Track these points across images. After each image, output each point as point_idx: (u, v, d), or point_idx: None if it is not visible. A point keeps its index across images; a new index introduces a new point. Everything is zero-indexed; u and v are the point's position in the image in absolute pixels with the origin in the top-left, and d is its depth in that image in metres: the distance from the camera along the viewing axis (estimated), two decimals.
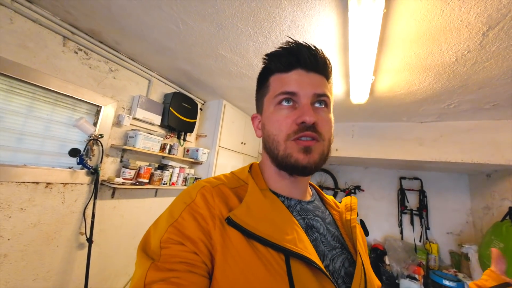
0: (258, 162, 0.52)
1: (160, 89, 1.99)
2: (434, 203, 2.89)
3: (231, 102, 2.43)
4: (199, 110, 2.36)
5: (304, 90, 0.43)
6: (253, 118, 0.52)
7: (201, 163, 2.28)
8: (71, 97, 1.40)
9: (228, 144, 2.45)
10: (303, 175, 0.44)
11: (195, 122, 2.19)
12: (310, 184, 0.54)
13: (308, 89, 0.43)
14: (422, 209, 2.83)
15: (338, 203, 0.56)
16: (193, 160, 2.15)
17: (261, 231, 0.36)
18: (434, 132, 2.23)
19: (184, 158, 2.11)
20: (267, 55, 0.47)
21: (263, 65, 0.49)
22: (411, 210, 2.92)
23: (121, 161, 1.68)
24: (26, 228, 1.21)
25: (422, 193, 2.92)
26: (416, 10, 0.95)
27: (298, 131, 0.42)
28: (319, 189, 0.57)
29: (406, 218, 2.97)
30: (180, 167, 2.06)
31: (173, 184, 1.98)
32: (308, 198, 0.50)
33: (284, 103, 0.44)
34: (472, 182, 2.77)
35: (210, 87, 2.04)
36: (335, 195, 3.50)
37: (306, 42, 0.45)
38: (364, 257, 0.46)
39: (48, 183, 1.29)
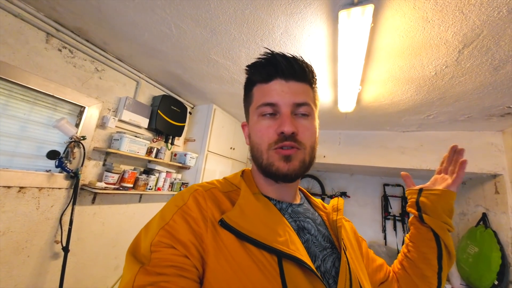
0: (249, 169, 0.53)
1: (149, 92, 1.94)
2: None
3: (221, 107, 2.42)
4: (188, 114, 2.33)
5: (283, 100, 0.43)
6: (243, 126, 0.54)
7: (189, 168, 2.23)
8: (53, 96, 1.33)
9: (217, 149, 2.42)
10: (286, 182, 0.44)
11: (183, 126, 2.15)
12: (299, 189, 0.56)
13: (288, 98, 0.43)
14: (405, 215, 2.94)
15: (325, 205, 0.58)
16: (180, 165, 2.09)
17: (254, 233, 0.37)
18: (415, 141, 2.35)
19: (172, 163, 2.05)
20: (248, 66, 0.48)
21: (246, 76, 0.49)
22: (394, 216, 3.03)
23: (104, 164, 1.60)
24: None
25: (404, 199, 3.04)
26: (400, 26, 1.01)
27: (278, 141, 0.43)
28: (307, 192, 0.58)
29: (389, 224, 3.06)
30: (167, 172, 2.00)
31: (159, 189, 1.91)
32: (298, 201, 0.51)
33: (267, 115, 0.44)
34: None
35: (201, 91, 2.03)
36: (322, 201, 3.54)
37: (283, 52, 0.46)
38: (352, 253, 0.47)
39: (21, 187, 1.20)
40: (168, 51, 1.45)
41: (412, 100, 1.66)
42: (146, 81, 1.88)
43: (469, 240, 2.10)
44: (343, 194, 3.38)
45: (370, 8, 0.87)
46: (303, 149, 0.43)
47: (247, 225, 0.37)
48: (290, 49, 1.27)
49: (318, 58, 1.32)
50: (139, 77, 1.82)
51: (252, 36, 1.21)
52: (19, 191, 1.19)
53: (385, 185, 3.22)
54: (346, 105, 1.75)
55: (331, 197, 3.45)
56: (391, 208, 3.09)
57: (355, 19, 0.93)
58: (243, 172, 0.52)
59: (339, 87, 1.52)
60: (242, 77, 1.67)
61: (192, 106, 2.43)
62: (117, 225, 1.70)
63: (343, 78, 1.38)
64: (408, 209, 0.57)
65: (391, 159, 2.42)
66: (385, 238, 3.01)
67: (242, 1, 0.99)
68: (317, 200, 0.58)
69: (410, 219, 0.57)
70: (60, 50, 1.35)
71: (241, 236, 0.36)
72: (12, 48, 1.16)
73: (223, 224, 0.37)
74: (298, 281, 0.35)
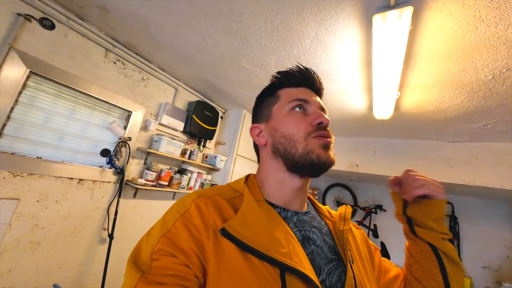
0: (254, 174, 0.52)
1: (185, 97, 2.10)
2: (467, 231, 2.61)
3: (250, 112, 2.48)
4: (219, 118, 2.44)
5: (314, 100, 0.48)
6: (252, 128, 0.52)
7: (218, 170, 2.33)
8: (107, 102, 1.54)
9: (245, 153, 2.48)
10: (319, 173, 0.44)
11: (215, 130, 2.27)
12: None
13: (317, 101, 0.49)
14: (453, 237, 2.57)
15: (332, 212, 0.55)
16: (210, 166, 2.20)
17: (256, 243, 0.36)
18: (467, 153, 2.05)
19: (202, 164, 2.17)
20: (279, 72, 0.51)
21: (273, 80, 0.53)
22: None
23: (144, 163, 1.79)
24: (58, 220, 1.33)
25: (453, 219, 2.66)
26: (446, 27, 0.91)
27: (317, 130, 0.45)
28: (313, 198, 0.56)
29: None
30: (198, 173, 2.13)
31: (190, 188, 2.05)
32: (305, 208, 0.49)
33: (297, 109, 0.47)
34: None
35: (231, 96, 2.12)
36: (353, 213, 3.33)
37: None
38: (361, 266, 0.45)
39: (80, 179, 1.42)
40: (202, 59, 1.56)
41: (463, 107, 1.46)
42: (183, 88, 2.05)
43: None
44: (378, 207, 3.12)
45: (408, 10, 0.81)
46: (331, 145, 0.46)
47: (249, 235, 0.36)
48: (320, 55, 1.25)
49: (350, 63, 1.27)
50: (177, 84, 1.98)
51: (282, 44, 1.23)
52: (79, 182, 1.41)
53: None
54: (383, 112, 1.63)
55: (364, 209, 3.21)
56: None
57: (391, 23, 0.87)
58: (247, 177, 0.50)
59: (374, 93, 1.43)
60: None
61: (223, 110, 2.54)
62: (153, 219, 1.87)
63: (379, 83, 1.30)
64: (397, 217, 0.53)
65: (436, 172, 2.15)
66: None
67: (272, 11, 1.02)
68: (324, 208, 0.55)
69: (404, 230, 0.52)
70: (115, 63, 1.56)
71: (242, 246, 0.35)
72: (79, 62, 1.39)
73: (225, 233, 0.36)
74: None
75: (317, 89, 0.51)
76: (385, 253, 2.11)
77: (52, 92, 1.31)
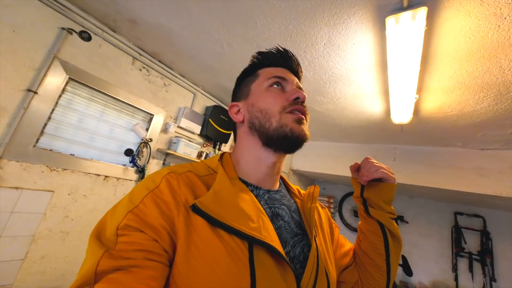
0: (229, 152, 0.52)
1: (203, 102, 2.20)
2: (503, 249, 2.37)
3: None
4: None
5: (291, 78, 0.50)
6: (231, 107, 0.53)
7: None
8: (133, 106, 1.67)
9: None
10: (293, 147, 0.45)
11: (230, 134, 2.33)
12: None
13: (294, 79, 0.51)
14: (485, 254, 2.35)
15: (302, 191, 0.58)
16: None
17: (226, 219, 0.36)
18: (500, 162, 1.89)
19: None
20: (258, 53, 0.54)
21: (253, 60, 0.55)
22: (470, 253, 2.45)
23: (163, 163, 1.89)
24: (85, 213, 1.44)
25: (485, 234, 2.44)
26: (465, 26, 0.89)
27: (292, 105, 0.46)
28: (285, 178, 0.58)
29: (463, 263, 2.49)
30: None
31: None
32: (276, 187, 0.51)
33: (275, 86, 0.48)
34: None
35: None
36: None
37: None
38: (322, 239, 0.49)
39: (106, 176, 1.54)
40: (219, 66, 1.64)
41: (490, 110, 1.37)
42: (201, 93, 2.15)
43: None
44: (400, 219, 2.95)
45: (422, 11, 0.81)
46: (306, 122, 0.48)
47: (220, 211, 0.37)
48: (334, 59, 1.26)
49: (365, 66, 1.26)
50: (196, 90, 2.09)
51: (296, 49, 1.27)
52: (104, 179, 1.53)
53: (457, 213, 2.67)
54: (401, 116, 1.58)
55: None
56: (465, 243, 2.52)
57: (405, 24, 0.87)
58: (221, 156, 0.51)
59: (391, 96, 1.40)
60: None
61: None
62: None
63: (395, 86, 1.27)
64: (354, 199, 0.59)
65: (465, 182, 2.01)
66: (456, 279, 2.46)
67: (286, 18, 1.06)
68: (294, 187, 0.58)
69: (359, 210, 0.58)
70: (140, 70, 1.70)
71: (212, 221, 0.35)
72: (110, 70, 1.53)
73: (195, 209, 0.36)
74: (267, 266, 0.35)
75: (295, 71, 0.53)
76: (406, 268, 1.97)
77: (86, 96, 1.46)
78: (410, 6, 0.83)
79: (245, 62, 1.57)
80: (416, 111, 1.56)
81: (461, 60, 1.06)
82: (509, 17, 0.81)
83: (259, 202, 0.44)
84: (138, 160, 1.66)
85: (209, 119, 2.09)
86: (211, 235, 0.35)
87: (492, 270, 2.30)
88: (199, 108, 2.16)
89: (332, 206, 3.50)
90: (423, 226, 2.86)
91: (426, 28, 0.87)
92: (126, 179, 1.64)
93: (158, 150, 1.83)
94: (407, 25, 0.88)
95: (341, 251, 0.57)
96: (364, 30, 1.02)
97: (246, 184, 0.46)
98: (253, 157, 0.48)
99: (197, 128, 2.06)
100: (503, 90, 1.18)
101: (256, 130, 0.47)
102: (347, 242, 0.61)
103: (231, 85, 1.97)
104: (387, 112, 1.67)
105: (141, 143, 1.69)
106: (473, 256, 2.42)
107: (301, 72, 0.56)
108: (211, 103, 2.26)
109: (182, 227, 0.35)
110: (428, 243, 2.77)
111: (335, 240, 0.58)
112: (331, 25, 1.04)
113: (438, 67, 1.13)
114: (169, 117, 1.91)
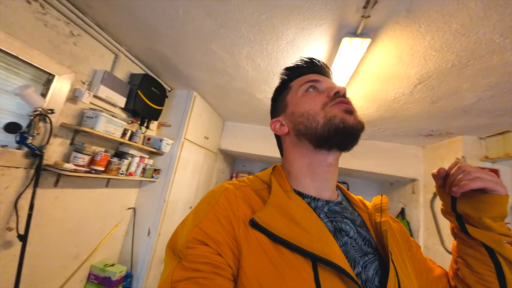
0: (280, 165, 0.51)
1: (127, 68, 1.76)
2: None
3: (201, 95, 2.37)
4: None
5: (324, 79, 0.49)
6: (272, 123, 0.52)
7: (162, 154, 2.14)
8: (16, 57, 1.10)
9: (192, 138, 2.38)
10: (348, 140, 0.42)
11: (161, 110, 2.04)
12: (337, 185, 0.51)
13: (328, 79, 0.50)
14: None
15: (366, 203, 0.52)
16: (154, 150, 1.99)
17: (286, 234, 0.35)
18: (365, 148, 2.83)
19: (144, 147, 1.93)
20: (286, 68, 0.53)
21: (282, 77, 0.54)
22: None
23: (71, 143, 1.42)
24: None
25: None
26: (383, 58, 1.26)
27: (334, 99, 0.43)
28: (344, 188, 0.53)
29: None
30: (141, 157, 1.89)
31: (130, 174, 1.80)
32: (336, 198, 0.46)
33: (310, 89, 0.47)
34: (380, 188, 3.65)
35: (185, 76, 1.96)
36: None
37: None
38: (401, 261, 0.41)
39: None
40: (165, 31, 1.37)
41: (372, 115, 2.02)
42: (126, 56, 1.71)
43: None
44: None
45: (367, 41, 1.07)
46: (356, 111, 0.44)
47: (279, 226, 0.35)
48: (290, 57, 1.39)
49: None
50: (119, 50, 1.63)
51: (259, 38, 1.28)
52: None
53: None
54: None
55: None
56: None
57: (354, 47, 1.12)
58: (273, 168, 0.49)
59: None
60: (235, 71, 1.71)
61: (169, 89, 2.30)
62: (81, 211, 1.54)
63: None
64: (445, 215, 0.46)
65: (345, 161, 2.86)
66: None
67: (263, 7, 1.05)
68: (357, 198, 0.52)
69: (451, 228, 0.47)
70: (29, 2, 1.11)
71: (272, 238, 0.34)
72: None
73: (254, 224, 0.35)
74: None
75: (326, 73, 0.52)
76: None
77: None
78: (361, 35, 1.07)
79: (200, 35, 1.44)
80: None
81: (370, 79, 1.48)
82: (404, 60, 1.23)
83: (319, 215, 0.41)
84: (31, 140, 1.16)
85: (138, 91, 1.72)
86: (273, 250, 0.34)
87: None
88: (121, 75, 1.72)
89: None
90: None
91: (365, 54, 1.16)
92: (9, 167, 1.13)
93: (63, 126, 1.35)
94: (354, 48, 1.12)
95: (428, 277, 0.47)
96: (323, 41, 1.20)
97: (302, 196, 0.43)
98: (305, 164, 0.45)
99: (121, 100, 1.65)
100: (382, 103, 1.77)
101: (304, 135, 0.45)
102: (436, 266, 0.50)
103: (173, 55, 1.75)
104: None
105: (36, 115, 1.18)
106: None
107: (331, 73, 0.53)
108: (138, 70, 1.85)
109: (243, 242, 0.35)
110: None
111: (417, 262, 0.48)
112: (299, 28, 1.14)
113: (357, 81, 1.52)
114: (79, 81, 1.41)
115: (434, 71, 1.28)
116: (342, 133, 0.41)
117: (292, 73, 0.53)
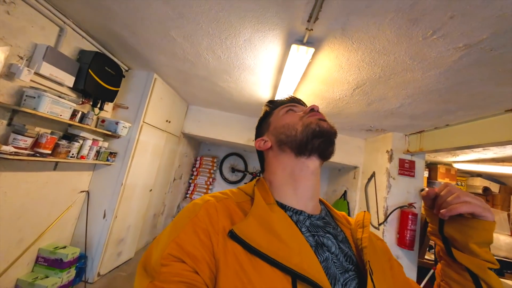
0: (263, 177, 0.51)
1: (76, 43, 1.62)
2: None
3: (163, 78, 2.31)
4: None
5: (301, 106, 0.56)
6: (257, 142, 0.55)
7: (119, 137, 2.08)
8: None
9: (152, 121, 2.34)
10: (326, 145, 0.45)
11: (117, 91, 1.95)
12: (320, 200, 0.52)
13: (302, 107, 0.56)
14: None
15: (350, 219, 0.52)
16: (110, 133, 1.93)
17: (265, 247, 0.34)
18: None
19: (98, 129, 1.85)
20: (269, 101, 0.59)
21: (268, 107, 0.59)
22: None
23: (8, 124, 1.31)
24: None
25: None
26: (327, 65, 1.43)
27: (309, 112, 0.49)
28: (328, 204, 0.54)
29: None
30: (94, 139, 1.82)
31: (82, 157, 1.74)
32: (319, 212, 0.47)
33: (290, 111, 0.53)
34: (330, 173, 4.14)
35: (144, 58, 1.88)
36: (243, 177, 4.11)
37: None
38: (382, 280, 0.41)
39: None
40: (120, 12, 1.30)
41: (322, 111, 2.25)
42: (74, 30, 1.56)
43: (334, 207, 3.18)
44: (262, 172, 4.05)
45: (311, 50, 1.22)
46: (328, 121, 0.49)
47: (258, 239, 0.35)
48: (248, 53, 1.48)
49: (268, 66, 1.60)
50: (64, 23, 1.49)
51: (218, 32, 1.32)
52: None
53: None
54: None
55: (252, 173, 4.06)
56: None
57: (301, 53, 1.26)
58: (257, 180, 0.49)
59: (278, 91, 1.88)
60: (197, 59, 1.72)
61: (126, 68, 2.17)
62: (24, 195, 1.47)
63: (282, 86, 1.74)
64: (431, 237, 0.47)
65: None
66: None
67: (220, 5, 1.10)
68: (340, 213, 0.52)
69: (437, 250, 0.47)
70: None
71: (251, 250, 0.34)
72: None
73: (233, 236, 0.35)
74: None
75: (302, 104, 0.58)
76: None
77: None
78: (307, 43, 1.21)
79: (159, 21, 1.48)
80: None
81: (318, 81, 1.67)
82: (343, 68, 1.43)
83: (300, 229, 0.40)
84: None
85: (89, 70, 1.62)
86: (248, 264, 0.33)
87: None
88: (69, 51, 1.59)
89: (215, 164, 4.04)
90: None
91: (310, 60, 1.31)
92: None
93: None
94: (302, 54, 1.27)
95: None
96: (276, 44, 1.31)
97: (284, 208, 0.44)
98: (288, 174, 0.47)
99: (69, 79, 1.55)
100: (330, 102, 2.01)
101: (286, 143, 0.48)
102: (418, 287, 0.51)
103: (130, 36, 1.74)
104: (272, 98, 2.20)
105: None
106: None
107: (306, 105, 0.58)
108: (89, 47, 1.71)
109: (221, 257, 0.34)
110: None
111: (399, 280, 0.48)
112: (254, 29, 1.22)
113: (308, 82, 1.70)
114: (16, 56, 1.28)
115: (366, 80, 1.52)
116: (318, 136, 0.45)
117: (274, 105, 0.58)
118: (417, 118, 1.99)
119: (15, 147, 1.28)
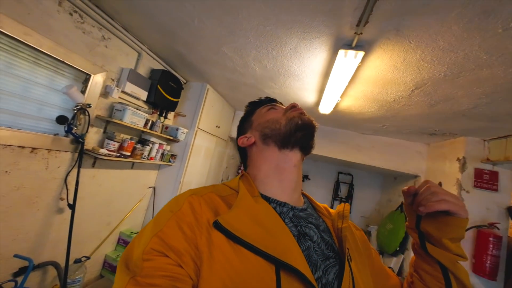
0: (247, 172, 0.53)
1: (148, 64, 1.96)
2: (357, 193, 3.79)
3: (214, 87, 2.55)
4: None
5: (278, 104, 0.60)
6: (240, 139, 0.56)
7: (178, 141, 2.39)
8: (63, 62, 1.33)
9: (205, 126, 2.60)
10: (307, 137, 0.49)
11: (178, 102, 2.25)
12: (302, 193, 0.54)
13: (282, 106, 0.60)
14: (349, 198, 3.70)
15: (331, 210, 0.55)
16: (171, 138, 2.24)
17: (250, 237, 0.35)
18: (369, 143, 2.92)
19: (162, 135, 2.18)
20: (250, 103, 0.62)
21: (249, 107, 0.62)
22: (341, 198, 3.76)
23: (104, 132, 1.69)
24: (9, 191, 1.20)
25: (351, 186, 3.77)
26: (379, 66, 1.35)
27: (291, 108, 0.53)
28: (311, 197, 0.56)
29: (336, 204, 3.81)
30: (160, 144, 2.15)
31: (151, 158, 2.07)
32: (301, 205, 0.49)
33: (271, 110, 0.56)
34: (384, 181, 3.75)
35: (199, 71, 2.13)
36: None
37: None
38: (360, 266, 0.44)
39: (33, 148, 1.27)
40: (182, 35, 1.53)
41: (374, 114, 2.10)
42: (147, 53, 1.90)
43: (388, 219, 2.87)
44: (305, 177, 3.97)
45: (361, 54, 1.17)
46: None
47: (244, 228, 0.35)
48: (293, 61, 1.51)
49: (313, 72, 1.60)
50: (141, 49, 1.82)
51: (265, 45, 1.41)
52: (32, 151, 1.27)
53: (339, 172, 3.90)
54: (325, 109, 2.11)
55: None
56: (340, 192, 3.82)
57: (349, 58, 1.22)
58: (241, 175, 0.50)
59: (324, 96, 1.85)
60: (244, 69, 1.85)
61: (185, 81, 2.49)
62: (111, 187, 1.85)
63: (329, 90, 1.71)
64: (408, 230, 0.49)
65: (349, 154, 2.98)
66: None
67: (267, 20, 1.17)
68: (322, 205, 0.55)
69: (412, 243, 0.49)
70: (71, 14, 1.32)
71: (235, 240, 0.34)
72: (25, 5, 1.12)
73: (217, 226, 0.35)
74: None
75: (281, 104, 0.62)
76: None
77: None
78: (356, 47, 1.17)
79: (212, 40, 1.60)
80: (335, 107, 2.13)
81: (369, 83, 1.57)
82: (399, 69, 1.31)
83: (284, 220, 0.42)
84: (75, 129, 1.43)
85: (158, 86, 1.93)
86: (233, 254, 0.34)
87: (351, 207, 3.69)
88: (143, 70, 1.93)
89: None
90: (319, 181, 4.02)
91: (360, 64, 1.26)
92: (60, 151, 1.41)
93: (98, 117, 1.61)
94: (350, 59, 1.23)
95: (385, 284, 0.50)
96: (322, 50, 1.31)
97: (269, 200, 0.45)
98: (272, 167, 0.49)
99: (143, 94, 1.88)
100: (384, 104, 1.85)
101: (270, 137, 0.50)
102: (393, 275, 0.53)
103: (188, 53, 1.95)
104: (317, 104, 2.17)
105: (78, 109, 1.43)
106: (342, 200, 3.75)
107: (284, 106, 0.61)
108: (158, 66, 2.05)
109: (205, 250, 0.34)
110: (319, 192, 3.97)
111: (376, 269, 0.50)
112: (300, 38, 1.26)
113: (357, 84, 1.62)
114: (109, 78, 1.64)
115: (428, 79, 1.35)
116: (301, 128, 0.48)
117: (255, 105, 0.62)
118: (500, 120, 1.65)
119: (108, 150, 1.64)
